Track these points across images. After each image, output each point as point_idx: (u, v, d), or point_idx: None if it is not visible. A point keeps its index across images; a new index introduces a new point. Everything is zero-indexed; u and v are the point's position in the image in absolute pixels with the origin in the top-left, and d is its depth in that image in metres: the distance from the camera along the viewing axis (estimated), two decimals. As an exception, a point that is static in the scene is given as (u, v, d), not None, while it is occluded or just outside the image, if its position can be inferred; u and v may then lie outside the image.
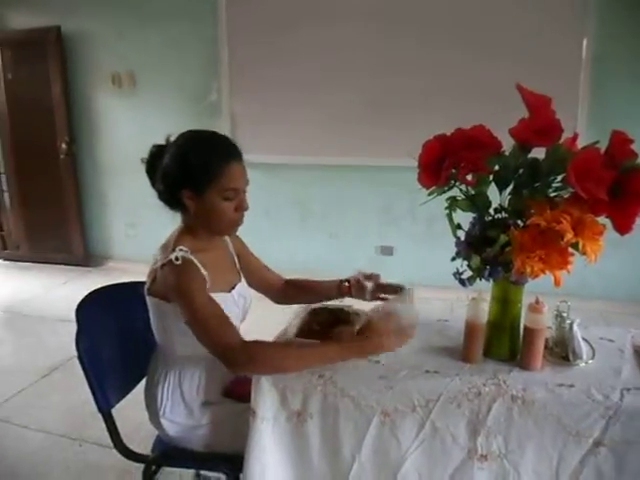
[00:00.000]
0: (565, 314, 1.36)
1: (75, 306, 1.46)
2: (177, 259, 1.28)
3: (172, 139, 1.39)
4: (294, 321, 1.49)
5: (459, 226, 1.34)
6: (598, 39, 3.33)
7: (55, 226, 4.75)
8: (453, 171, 1.22)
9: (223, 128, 4.11)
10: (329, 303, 1.62)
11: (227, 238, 1.59)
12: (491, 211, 1.30)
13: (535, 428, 1.17)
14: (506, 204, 1.29)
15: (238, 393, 1.50)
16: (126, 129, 4.43)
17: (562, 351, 1.35)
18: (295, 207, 4.29)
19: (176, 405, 1.45)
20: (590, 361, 1.33)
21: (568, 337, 1.34)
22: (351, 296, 1.63)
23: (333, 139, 3.94)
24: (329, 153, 3.96)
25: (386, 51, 3.69)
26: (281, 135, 4.05)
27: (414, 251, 4.11)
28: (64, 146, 4.51)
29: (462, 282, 1.28)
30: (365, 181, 4.07)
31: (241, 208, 1.39)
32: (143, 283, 1.43)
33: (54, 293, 4.18)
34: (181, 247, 1.32)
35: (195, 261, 1.31)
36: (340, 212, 4.21)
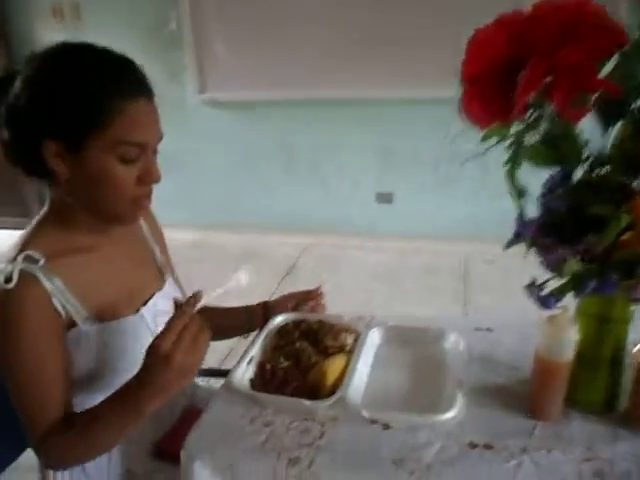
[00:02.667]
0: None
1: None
2: (8, 279, 0.77)
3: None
4: (252, 352, 0.97)
5: (521, 193, 0.78)
6: None
7: (8, 189, 4.14)
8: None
9: (187, 62, 3.49)
10: (307, 317, 1.08)
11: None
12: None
13: None
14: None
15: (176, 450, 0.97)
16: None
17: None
18: (278, 152, 3.70)
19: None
20: None
21: None
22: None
23: (322, 68, 3.31)
24: (317, 85, 3.34)
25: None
26: (258, 66, 3.43)
27: (417, 199, 3.56)
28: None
29: (544, 302, 0.72)
30: (360, 118, 3.50)
31: (148, 178, 0.86)
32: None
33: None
34: (29, 252, 0.81)
35: (45, 282, 0.80)
36: (332, 156, 3.65)
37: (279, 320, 1.08)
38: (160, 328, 0.94)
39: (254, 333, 1.11)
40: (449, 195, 3.46)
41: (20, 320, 0.78)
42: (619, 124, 0.70)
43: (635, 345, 0.81)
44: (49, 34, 3.76)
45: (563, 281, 0.71)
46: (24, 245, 0.83)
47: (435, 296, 2.91)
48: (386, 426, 0.81)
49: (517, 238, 0.81)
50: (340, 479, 0.74)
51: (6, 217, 4.16)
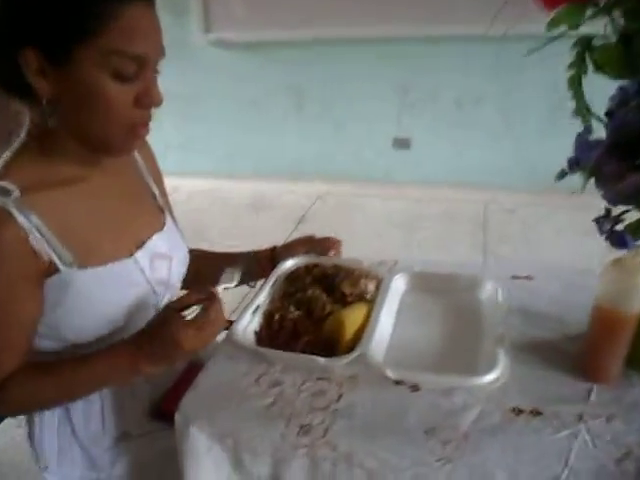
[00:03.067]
0: None
1: None
2: None
3: None
4: (258, 301, 0.84)
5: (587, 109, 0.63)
6: None
7: None
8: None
9: (191, 2, 3.25)
10: (321, 260, 0.95)
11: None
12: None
13: None
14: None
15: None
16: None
17: None
18: (289, 94, 3.52)
19: (66, 451, 0.87)
20: None
21: None
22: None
23: (333, 5, 3.10)
24: (329, 23, 3.14)
25: None
26: (267, 4, 3.17)
27: (436, 143, 3.38)
28: None
29: (619, 239, 0.58)
30: (376, 58, 3.28)
31: (147, 100, 0.72)
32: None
33: None
34: (3, 183, 0.68)
35: (20, 219, 0.68)
36: (345, 99, 3.45)
37: (289, 264, 0.96)
38: (157, 274, 0.83)
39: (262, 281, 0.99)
40: (469, 141, 3.28)
41: None
42: None
43: None
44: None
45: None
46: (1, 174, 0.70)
47: (453, 245, 2.78)
48: (415, 387, 0.69)
49: (574, 166, 0.67)
50: (360, 450, 0.62)
51: None
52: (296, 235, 2.76)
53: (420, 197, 3.34)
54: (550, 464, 0.59)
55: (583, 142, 0.64)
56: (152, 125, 0.77)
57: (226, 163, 3.70)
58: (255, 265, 1.01)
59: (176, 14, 3.27)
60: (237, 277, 0.80)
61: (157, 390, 0.91)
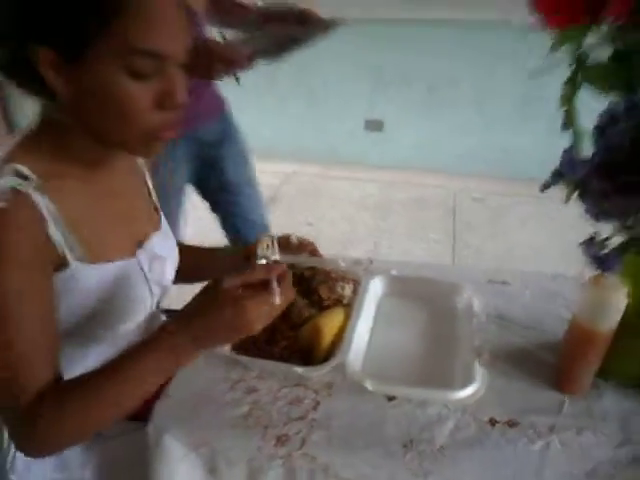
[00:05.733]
0: None
1: None
2: (2, 192, 0.60)
3: None
4: None
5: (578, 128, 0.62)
6: None
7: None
8: None
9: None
10: (297, 260, 0.92)
11: None
12: None
13: None
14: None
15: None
16: None
17: None
18: (258, 70, 3.37)
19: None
20: None
21: None
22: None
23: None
24: (306, 3, 3.00)
25: None
26: None
27: (409, 126, 3.37)
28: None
29: (604, 262, 0.58)
30: (351, 38, 3.17)
31: (168, 101, 0.65)
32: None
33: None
34: (18, 166, 0.63)
35: (41, 204, 0.63)
36: (317, 77, 3.37)
37: None
38: (155, 275, 0.80)
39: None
40: (441, 126, 3.28)
41: (8, 247, 0.61)
42: None
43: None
44: None
45: (626, 237, 0.57)
46: (10, 159, 0.65)
47: (423, 231, 2.80)
48: (391, 398, 0.69)
49: (558, 178, 0.67)
50: (337, 461, 0.62)
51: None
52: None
53: (391, 181, 3.34)
54: (525, 477, 0.60)
55: (569, 158, 0.64)
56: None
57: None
58: (231, 262, 0.99)
59: None
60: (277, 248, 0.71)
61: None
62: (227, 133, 1.51)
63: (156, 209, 0.90)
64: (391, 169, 3.38)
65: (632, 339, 0.68)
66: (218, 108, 1.47)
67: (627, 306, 0.65)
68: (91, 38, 0.60)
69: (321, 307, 0.82)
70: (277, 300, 0.63)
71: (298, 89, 3.43)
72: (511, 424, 0.66)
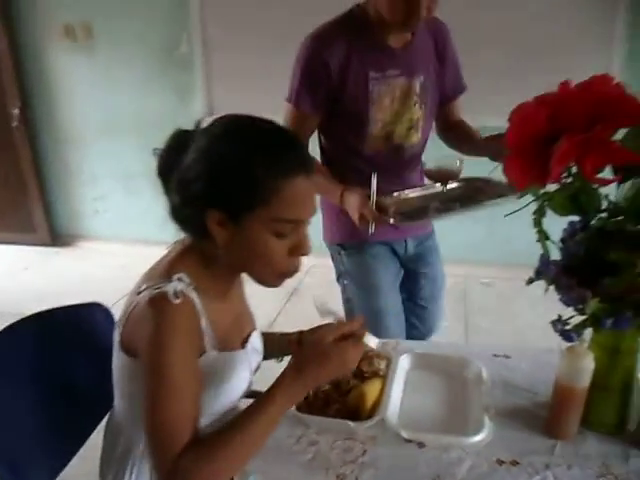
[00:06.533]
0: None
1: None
2: (177, 295, 0.80)
3: (207, 123, 0.88)
4: None
5: (546, 237, 0.88)
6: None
7: (13, 204, 4.19)
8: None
9: (196, 84, 3.57)
10: None
11: None
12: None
13: None
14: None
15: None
16: (85, 88, 3.82)
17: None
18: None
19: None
20: None
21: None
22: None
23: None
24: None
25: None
26: (266, 91, 3.47)
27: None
28: (16, 112, 3.90)
29: (566, 335, 0.82)
30: None
31: (299, 251, 0.87)
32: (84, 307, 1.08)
33: (15, 279, 3.67)
34: (181, 275, 0.85)
35: (198, 304, 0.85)
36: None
37: None
38: (254, 365, 1.02)
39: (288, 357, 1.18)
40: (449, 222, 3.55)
41: (180, 332, 0.81)
42: (631, 181, 0.80)
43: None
44: (61, 54, 3.82)
45: (583, 317, 0.80)
46: (172, 268, 0.86)
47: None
48: (421, 445, 0.90)
49: (539, 275, 0.91)
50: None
51: (16, 234, 4.26)
52: (290, 304, 2.92)
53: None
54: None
55: (544, 260, 0.89)
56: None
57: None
58: (287, 344, 1.15)
59: (181, 96, 3.56)
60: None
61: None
62: (428, 249, 1.69)
63: (250, 312, 1.12)
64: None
65: (603, 396, 0.90)
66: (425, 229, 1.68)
67: (597, 369, 0.88)
68: (249, 209, 0.82)
69: (363, 378, 1.04)
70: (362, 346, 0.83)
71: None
72: (514, 463, 0.86)
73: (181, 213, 0.88)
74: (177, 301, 0.80)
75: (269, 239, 0.83)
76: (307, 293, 3.37)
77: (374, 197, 1.28)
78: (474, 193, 1.41)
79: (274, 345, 1.19)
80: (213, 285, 0.92)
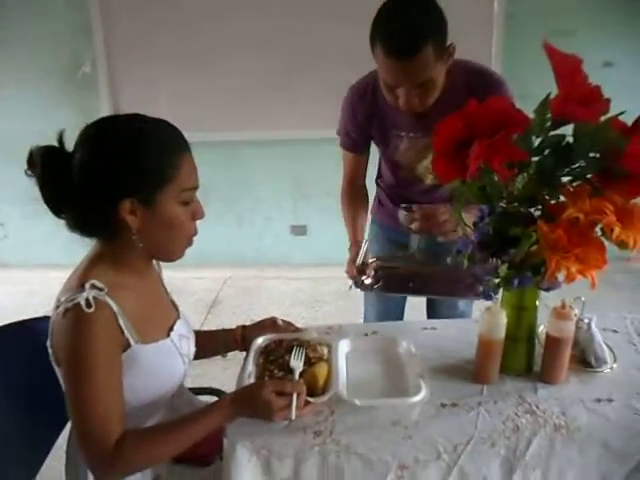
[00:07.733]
0: (579, 312, 1.18)
1: None
2: (89, 304, 0.91)
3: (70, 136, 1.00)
4: (249, 368, 1.16)
5: (463, 221, 1.10)
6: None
7: None
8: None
9: (102, 105, 3.56)
10: (283, 336, 1.27)
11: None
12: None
13: (579, 456, 0.99)
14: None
15: (197, 455, 1.16)
16: (-23, 109, 3.66)
17: (579, 355, 1.18)
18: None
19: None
20: (614, 365, 1.17)
21: (586, 339, 1.17)
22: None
23: (236, 112, 3.55)
24: (232, 128, 3.57)
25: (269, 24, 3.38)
26: (175, 110, 3.46)
27: (329, 228, 3.87)
28: None
29: (487, 295, 1.04)
30: (273, 157, 3.74)
31: (199, 214, 1.07)
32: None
33: None
34: (94, 282, 0.95)
35: (113, 306, 0.96)
36: (248, 193, 3.85)
37: (260, 341, 1.25)
38: (184, 350, 1.14)
39: (233, 352, 1.31)
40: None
41: (95, 339, 0.92)
42: (522, 175, 1.04)
43: (540, 326, 1.16)
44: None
45: (496, 281, 1.03)
46: (84, 277, 0.97)
47: (351, 316, 3.21)
48: (372, 407, 1.07)
49: (458, 253, 1.13)
50: (355, 438, 0.98)
51: None
52: (212, 316, 2.99)
53: (317, 277, 3.78)
54: (466, 431, 1.00)
55: (463, 240, 1.11)
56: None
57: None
58: (231, 340, 1.30)
59: (87, 117, 3.50)
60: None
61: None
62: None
63: (173, 302, 1.24)
64: (317, 266, 3.82)
65: (512, 343, 1.13)
66: None
67: (508, 324, 1.11)
68: (160, 188, 0.97)
69: (310, 364, 1.14)
70: (293, 415, 0.98)
71: (229, 210, 3.89)
72: (454, 405, 1.07)
73: (88, 218, 0.99)
74: (90, 310, 0.91)
75: (178, 209, 1.00)
76: (227, 304, 3.47)
77: (361, 258, 1.50)
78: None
79: (218, 342, 1.31)
80: (128, 282, 1.03)
